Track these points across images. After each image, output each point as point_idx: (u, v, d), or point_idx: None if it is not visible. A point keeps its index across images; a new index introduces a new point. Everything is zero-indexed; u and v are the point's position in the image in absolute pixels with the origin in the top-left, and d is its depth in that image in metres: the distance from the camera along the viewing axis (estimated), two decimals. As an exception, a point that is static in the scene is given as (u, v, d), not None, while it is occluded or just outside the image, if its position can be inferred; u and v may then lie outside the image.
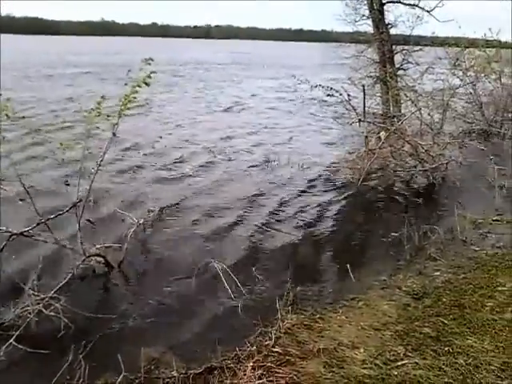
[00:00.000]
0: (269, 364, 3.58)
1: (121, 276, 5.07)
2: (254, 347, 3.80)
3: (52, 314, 4.02)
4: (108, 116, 4.84)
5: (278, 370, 3.50)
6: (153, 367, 3.62)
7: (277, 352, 3.73)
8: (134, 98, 4.87)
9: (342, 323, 4.10)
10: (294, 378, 3.42)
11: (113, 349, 3.75)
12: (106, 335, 4.00)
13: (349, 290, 4.70)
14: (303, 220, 6.63)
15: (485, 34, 14.11)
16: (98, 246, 4.96)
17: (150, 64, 4.94)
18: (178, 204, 7.00)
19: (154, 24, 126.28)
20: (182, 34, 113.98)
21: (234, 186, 8.17)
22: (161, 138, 11.45)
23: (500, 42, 15.91)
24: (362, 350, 3.72)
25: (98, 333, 4.00)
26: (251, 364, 3.56)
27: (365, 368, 3.52)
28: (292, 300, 4.43)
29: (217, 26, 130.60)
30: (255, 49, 73.30)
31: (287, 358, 3.67)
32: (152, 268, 5.22)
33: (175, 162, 9.51)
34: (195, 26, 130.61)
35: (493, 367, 3.50)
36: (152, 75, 4.85)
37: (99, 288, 4.85)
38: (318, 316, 4.22)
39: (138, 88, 4.84)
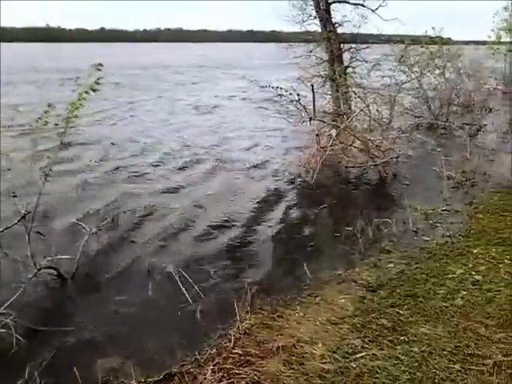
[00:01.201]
0: (229, 366, 3.57)
1: (75, 288, 4.95)
2: (214, 350, 3.79)
3: (3, 330, 3.88)
4: (56, 124, 4.74)
5: (238, 371, 3.50)
6: (111, 378, 3.55)
7: (237, 353, 3.73)
8: (81, 104, 4.79)
9: (301, 320, 4.14)
10: (255, 377, 3.42)
11: (69, 363, 3.63)
12: (61, 349, 3.90)
13: (306, 286, 4.74)
14: (257, 219, 6.67)
15: (426, 31, 14.55)
16: (50, 258, 4.82)
17: (99, 70, 4.87)
18: (131, 210, 6.89)
19: (103, 29, 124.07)
20: (132, 39, 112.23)
21: (189, 188, 8.11)
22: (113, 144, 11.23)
23: (442, 38, 16.48)
24: (320, 345, 3.76)
25: (53, 347, 3.89)
26: (211, 367, 3.54)
27: (324, 363, 3.56)
28: (250, 300, 4.43)
29: (167, 29, 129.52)
30: (209, 51, 73.06)
31: (247, 358, 3.67)
32: (107, 277, 5.11)
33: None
34: (144, 30, 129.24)
35: (445, 352, 3.61)
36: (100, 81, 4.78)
37: (53, 301, 4.73)
38: (276, 314, 4.23)
39: (85, 95, 4.76)
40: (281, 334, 3.94)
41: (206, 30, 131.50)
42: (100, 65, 4.87)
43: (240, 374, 3.47)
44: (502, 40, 19.60)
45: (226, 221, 6.62)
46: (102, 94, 5.44)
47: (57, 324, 4.20)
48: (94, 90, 4.80)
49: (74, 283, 4.96)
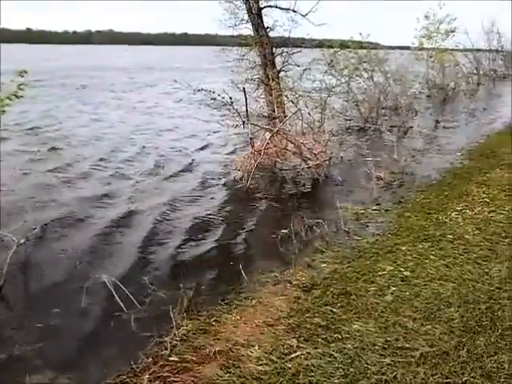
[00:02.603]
0: (166, 374, 3.54)
1: (2, 302, 4.73)
2: (150, 359, 3.73)
3: None
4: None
5: (175, 379, 3.47)
6: (42, 394, 3.43)
7: (173, 360, 3.70)
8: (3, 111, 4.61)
9: (237, 323, 4.16)
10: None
11: (-4, 381, 3.48)
12: (-12, 368, 3.71)
13: (242, 289, 4.76)
14: (191, 224, 6.63)
15: (352, 37, 15.05)
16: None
17: (22, 76, 4.70)
18: (60, 219, 6.66)
19: (29, 30, 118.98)
20: (61, 41, 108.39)
21: (119, 194, 7.96)
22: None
23: (371, 43, 17.13)
24: (256, 347, 3.80)
25: (-21, 367, 3.70)
26: (147, 376, 3.50)
27: (260, 364, 3.60)
28: (186, 306, 4.39)
29: (98, 32, 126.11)
30: (142, 54, 71.89)
31: (184, 365, 3.64)
32: (37, 290, 4.91)
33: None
34: (74, 32, 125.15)
35: (377, 347, 3.74)
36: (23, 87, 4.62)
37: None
38: (213, 319, 4.22)
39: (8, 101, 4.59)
40: (218, 339, 3.94)
41: (139, 33, 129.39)
42: (24, 71, 4.70)
43: (177, 381, 3.45)
44: (424, 46, 20.63)
45: (158, 227, 6.53)
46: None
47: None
48: (17, 97, 4.64)
49: (1, 297, 4.72)
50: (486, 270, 4.97)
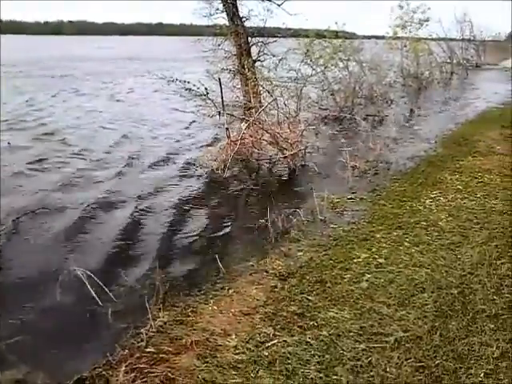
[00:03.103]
0: (142, 365, 3.53)
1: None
2: (126, 351, 3.71)
3: None
4: None
5: (151, 370, 3.47)
6: (16, 389, 3.39)
7: (150, 352, 3.69)
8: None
9: (214, 313, 4.16)
10: (169, 374, 3.41)
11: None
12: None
13: (219, 279, 4.76)
14: (167, 214, 6.60)
15: (329, 26, 15.06)
16: None
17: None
18: (33, 209, 6.56)
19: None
20: (33, 31, 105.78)
21: (96, 183, 7.88)
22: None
23: (347, 33, 17.19)
24: (233, 337, 3.82)
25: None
26: (123, 368, 3.47)
27: (237, 353, 3.62)
28: (162, 297, 4.39)
29: (70, 22, 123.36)
30: (117, 44, 70.81)
31: (161, 356, 3.64)
32: (10, 286, 4.79)
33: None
34: (46, 22, 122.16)
35: (352, 333, 3.80)
36: None
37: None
38: (189, 310, 4.22)
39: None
40: (194, 329, 3.94)
41: (113, 23, 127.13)
42: None
43: (153, 372, 3.44)
44: (398, 35, 20.80)
45: (134, 218, 6.49)
46: None
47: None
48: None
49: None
50: (459, 256, 5.07)
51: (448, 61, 28.69)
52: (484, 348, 3.62)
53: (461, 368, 3.42)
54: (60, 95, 19.60)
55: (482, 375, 3.35)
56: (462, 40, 34.18)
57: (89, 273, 4.52)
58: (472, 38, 35.80)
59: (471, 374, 3.37)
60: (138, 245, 5.69)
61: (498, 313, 4.06)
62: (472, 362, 3.48)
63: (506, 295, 4.33)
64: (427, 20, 21.64)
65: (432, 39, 25.44)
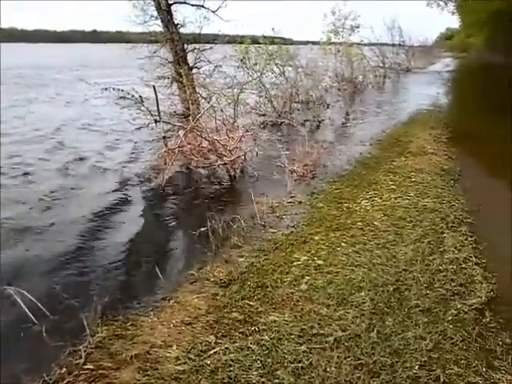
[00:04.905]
0: (81, 383, 3.46)
1: None
2: (64, 369, 3.61)
3: None
4: None
5: (90, 387, 3.39)
6: None
7: (89, 369, 3.61)
8: None
9: (154, 325, 4.11)
10: (109, 390, 3.34)
11: None
12: None
13: (159, 290, 4.70)
14: (104, 226, 6.43)
15: (264, 33, 15.25)
16: None
17: None
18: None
19: None
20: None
21: (26, 196, 7.55)
22: None
23: (283, 39, 17.45)
24: (175, 348, 3.78)
25: None
26: (60, 388, 3.37)
27: (179, 364, 3.59)
28: (101, 312, 4.28)
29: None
30: (49, 52, 68.45)
31: (100, 372, 3.57)
32: None
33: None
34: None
35: (293, 336, 3.86)
36: None
37: None
38: (129, 323, 4.15)
39: None
40: (134, 343, 3.88)
41: (46, 31, 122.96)
42: None
43: (93, 389, 3.36)
44: (332, 41, 21.32)
45: (67, 232, 6.26)
46: None
47: None
48: None
49: None
50: (394, 254, 5.25)
51: (381, 65, 29.76)
52: (418, 341, 3.77)
53: (397, 362, 3.55)
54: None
55: (416, 367, 3.50)
56: (393, 45, 35.59)
57: (22, 291, 4.34)
58: (402, 44, 37.38)
59: (407, 367, 3.50)
60: (74, 260, 5.49)
61: (430, 307, 4.24)
62: (407, 355, 3.62)
63: (438, 289, 4.53)
64: (358, 26, 22.36)
65: (364, 44, 26.34)
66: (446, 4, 45.31)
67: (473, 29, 46.57)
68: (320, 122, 13.89)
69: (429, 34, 56.64)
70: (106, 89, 7.46)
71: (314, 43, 23.88)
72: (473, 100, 20.57)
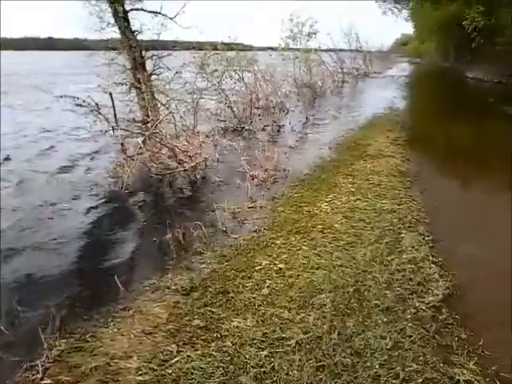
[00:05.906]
0: (38, 399, 3.35)
1: None
2: (21, 385, 3.50)
3: None
4: None
5: (48, 403, 3.29)
6: None
7: (46, 384, 3.51)
8: None
9: (114, 336, 4.04)
10: (67, 405, 3.25)
11: None
12: None
13: (119, 300, 4.61)
14: (61, 235, 6.27)
15: (221, 40, 15.30)
16: None
17: None
18: None
19: None
20: None
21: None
22: None
23: (242, 45, 17.52)
24: (135, 358, 3.73)
25: None
26: (17, 405, 3.27)
27: (140, 375, 3.55)
28: (59, 325, 4.17)
29: None
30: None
31: (59, 386, 3.48)
32: None
33: None
34: None
35: (255, 341, 3.86)
36: None
37: None
38: (88, 335, 4.07)
39: None
40: (94, 355, 3.81)
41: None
42: None
43: (51, 404, 3.27)
44: (290, 47, 21.59)
45: (23, 243, 6.09)
46: None
47: None
48: None
49: None
50: (353, 255, 5.34)
51: (339, 70, 30.23)
52: (378, 341, 3.84)
53: (358, 362, 3.60)
54: None
55: (377, 367, 3.56)
56: (351, 51, 36.32)
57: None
58: (359, 49, 38.19)
59: (367, 367, 3.56)
60: (30, 272, 5.33)
61: (390, 306, 4.33)
62: (368, 355, 3.68)
63: (397, 289, 4.62)
64: (315, 33, 22.72)
65: (322, 50, 26.75)
66: (400, 11, 46.68)
67: (425, 35, 48.10)
68: (280, 127, 13.99)
69: (385, 39, 58.10)
70: (62, 97, 7.30)
71: (272, 49, 24.09)
72: (427, 103, 21.21)
